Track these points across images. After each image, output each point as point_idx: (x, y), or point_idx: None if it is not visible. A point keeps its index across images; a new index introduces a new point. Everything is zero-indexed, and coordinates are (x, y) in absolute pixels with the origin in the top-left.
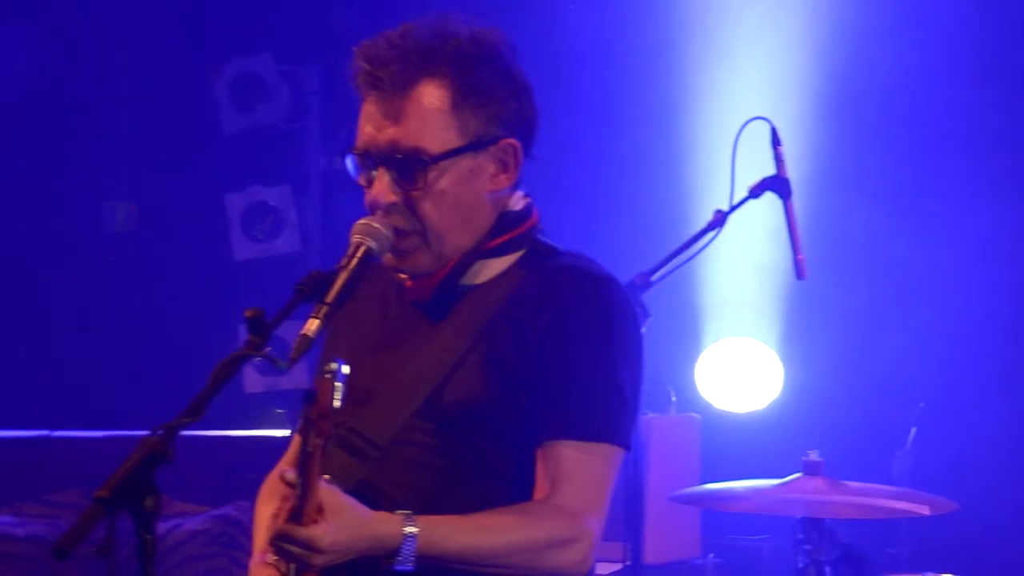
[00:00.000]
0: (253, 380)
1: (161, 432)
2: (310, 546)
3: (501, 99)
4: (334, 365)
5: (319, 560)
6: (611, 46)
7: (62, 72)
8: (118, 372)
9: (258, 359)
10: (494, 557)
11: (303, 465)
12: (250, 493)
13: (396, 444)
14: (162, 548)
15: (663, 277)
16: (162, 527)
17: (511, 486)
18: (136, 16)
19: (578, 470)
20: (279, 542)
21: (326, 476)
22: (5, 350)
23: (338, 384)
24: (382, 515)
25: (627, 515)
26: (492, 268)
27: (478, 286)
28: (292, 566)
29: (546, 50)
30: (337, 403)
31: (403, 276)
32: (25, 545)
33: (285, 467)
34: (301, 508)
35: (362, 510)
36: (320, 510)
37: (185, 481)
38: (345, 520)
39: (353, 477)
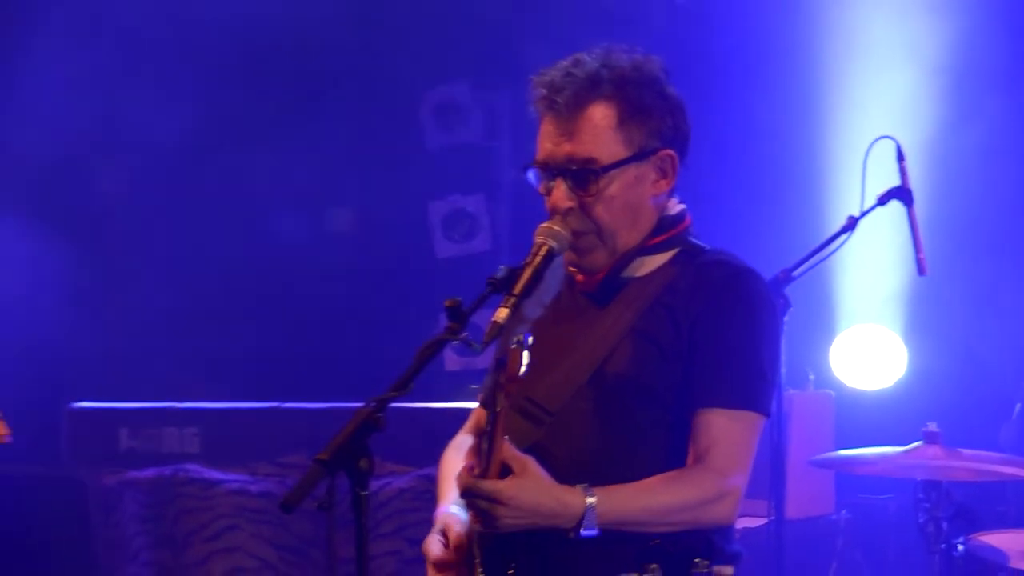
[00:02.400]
0: (452, 360)
1: (374, 404)
2: (494, 499)
3: (660, 116)
4: (521, 336)
5: (502, 512)
6: (755, 69)
7: (291, 94)
8: (337, 352)
9: (456, 342)
10: (660, 516)
11: (490, 425)
12: None
13: (565, 412)
14: (374, 503)
15: (803, 273)
16: (374, 485)
17: (664, 449)
18: (358, 47)
19: (726, 435)
20: (467, 496)
21: (506, 438)
22: (246, 336)
23: (525, 353)
24: (565, 486)
25: (771, 477)
26: (651, 263)
27: (638, 278)
28: (477, 519)
29: (697, 72)
30: (523, 369)
31: (576, 270)
32: (258, 500)
33: (469, 429)
34: (487, 465)
35: (546, 478)
36: (505, 468)
37: (394, 445)
38: (529, 482)
39: (527, 440)
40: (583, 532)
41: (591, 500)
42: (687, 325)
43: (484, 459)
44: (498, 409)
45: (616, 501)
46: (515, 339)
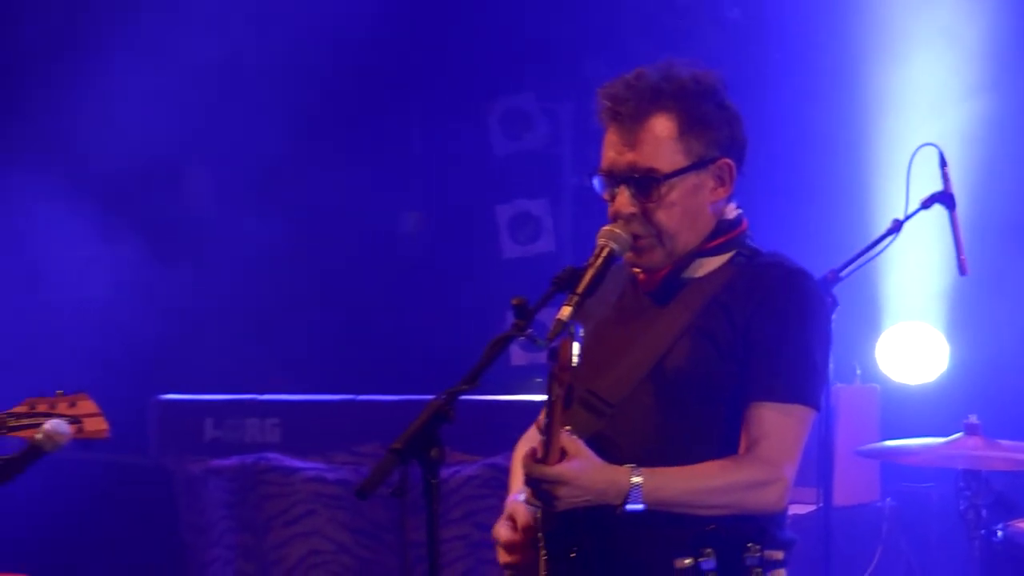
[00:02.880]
0: (518, 355)
1: (444, 396)
2: (555, 481)
3: (718, 127)
4: (572, 328)
5: (562, 492)
6: (803, 81)
7: (368, 105)
8: (409, 348)
9: (522, 338)
10: (705, 496)
11: (548, 413)
12: (515, 445)
13: (626, 403)
14: (444, 490)
15: (850, 273)
16: (444, 473)
17: (719, 440)
18: (430, 60)
19: (777, 427)
20: (529, 480)
21: (568, 428)
22: (325, 332)
23: (575, 343)
24: (614, 466)
25: (820, 466)
26: (709, 265)
27: (697, 279)
28: (539, 500)
29: (749, 83)
30: (575, 359)
31: (638, 271)
32: (335, 487)
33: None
34: (547, 451)
35: (598, 459)
36: (563, 453)
37: (463, 436)
38: (584, 464)
39: (590, 430)
40: (629, 507)
41: (636, 479)
42: (743, 323)
43: (544, 445)
44: (553, 398)
45: (661, 480)
46: (568, 331)
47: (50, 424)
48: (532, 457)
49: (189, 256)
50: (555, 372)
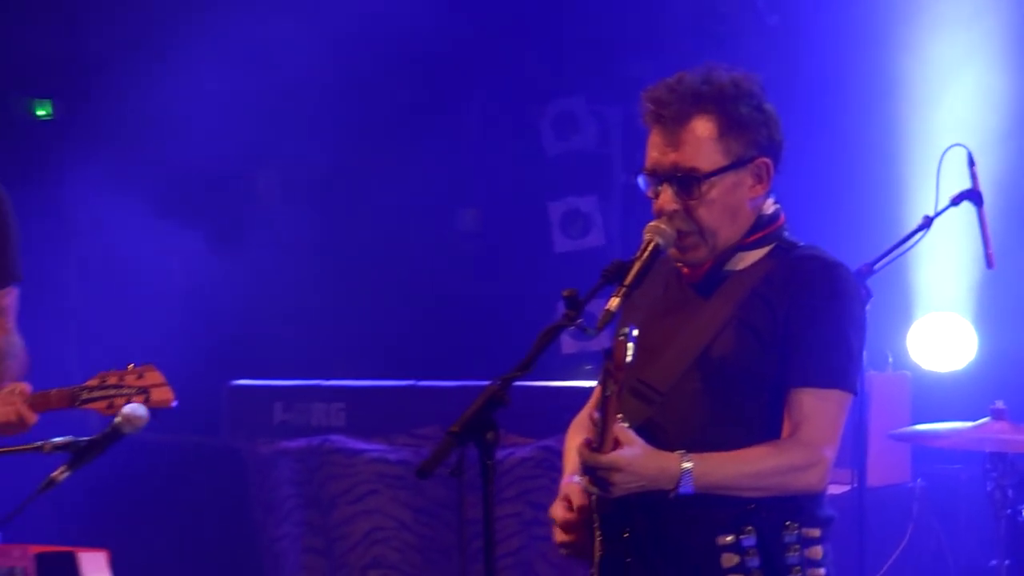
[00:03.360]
0: (568, 344)
1: (499, 382)
2: (609, 468)
3: (756, 128)
4: (627, 329)
5: (616, 479)
6: (837, 82)
7: (426, 107)
8: (466, 336)
9: (572, 328)
10: (752, 479)
11: (603, 406)
12: (566, 428)
13: (674, 391)
14: (499, 470)
15: (883, 266)
16: (499, 454)
17: (762, 425)
18: (485, 65)
19: (816, 411)
20: (585, 467)
21: (620, 416)
22: (387, 321)
23: (630, 344)
24: (664, 452)
25: (854, 448)
26: (749, 258)
27: (738, 271)
28: (594, 487)
29: (786, 84)
30: (629, 358)
31: (682, 264)
32: (396, 467)
33: (589, 409)
34: (601, 440)
35: (649, 447)
36: (616, 442)
37: (517, 419)
38: (636, 452)
39: (640, 417)
40: (681, 490)
41: (687, 465)
42: (782, 313)
43: (599, 435)
44: (608, 393)
45: (710, 465)
46: (621, 332)
47: (129, 407)
48: (587, 446)
49: (260, 251)
50: (610, 369)
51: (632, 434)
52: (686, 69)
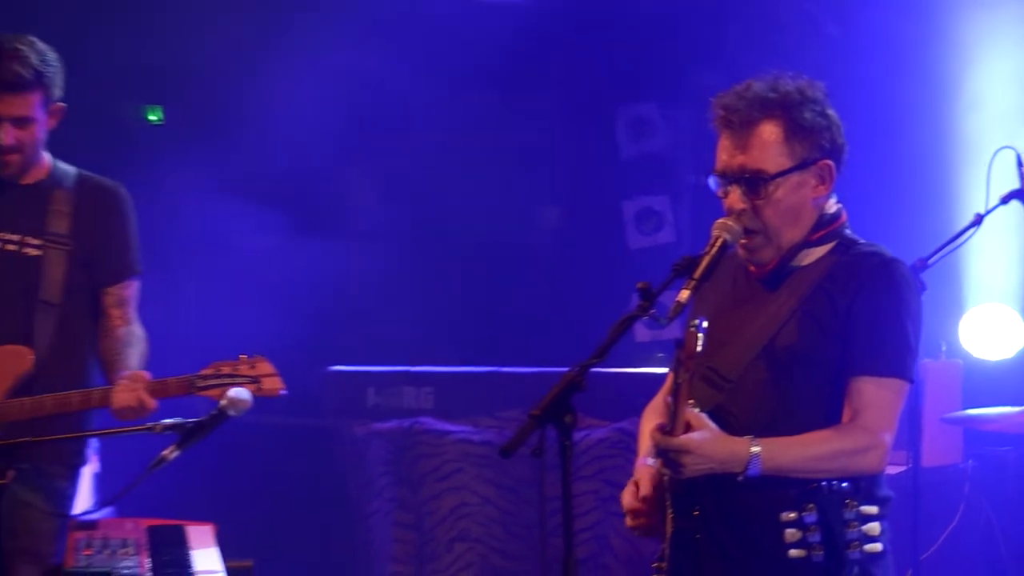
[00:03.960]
0: (642, 333)
1: (577, 369)
2: (680, 451)
3: (819, 132)
4: (697, 321)
5: (687, 461)
6: (893, 88)
7: (510, 112)
8: (546, 326)
9: (646, 318)
10: (815, 462)
11: (674, 393)
12: (639, 412)
13: (742, 379)
14: (577, 451)
15: (937, 261)
16: (577, 436)
17: (823, 411)
18: (565, 71)
19: (876, 398)
20: (658, 450)
21: (691, 401)
22: (473, 312)
23: (699, 335)
24: (734, 437)
25: (909, 431)
26: (813, 254)
27: (803, 267)
28: (667, 468)
29: (845, 89)
30: (699, 348)
31: (749, 263)
32: (480, 447)
33: (663, 394)
34: (673, 425)
35: (720, 432)
36: (688, 427)
37: (593, 403)
38: (706, 437)
39: (710, 403)
40: (749, 473)
41: (755, 449)
42: (844, 306)
43: (672, 420)
44: (679, 381)
45: (776, 450)
46: (692, 324)
47: (234, 391)
48: (660, 430)
49: (357, 248)
50: (681, 358)
51: (704, 419)
52: (752, 77)
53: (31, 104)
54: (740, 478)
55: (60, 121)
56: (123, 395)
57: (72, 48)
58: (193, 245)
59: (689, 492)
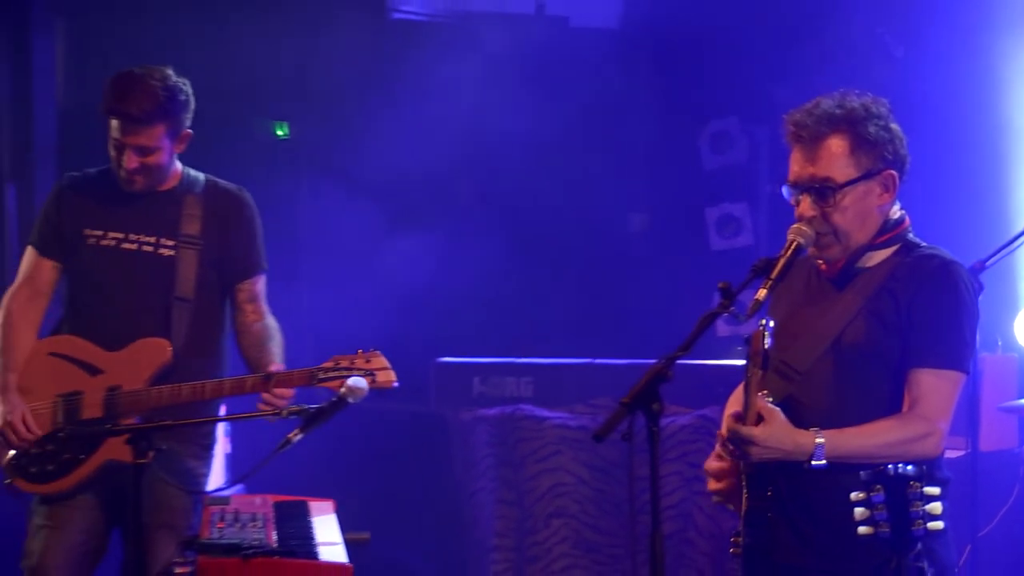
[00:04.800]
0: (723, 328)
1: (664, 361)
2: (749, 440)
3: (883, 145)
4: (765, 321)
5: (754, 451)
6: (956, 106)
7: (607, 128)
8: (636, 322)
9: (726, 314)
10: (876, 450)
11: (746, 385)
12: (720, 401)
13: (811, 371)
14: (663, 435)
15: (994, 263)
16: (663, 422)
17: (886, 401)
18: (653, 89)
19: (933, 388)
20: (730, 436)
21: (765, 392)
22: (570, 308)
23: (767, 334)
24: (801, 430)
25: (968, 419)
26: (878, 256)
27: (868, 268)
28: (737, 454)
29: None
30: (766, 345)
31: (821, 261)
32: (576, 432)
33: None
34: (745, 414)
35: (788, 425)
36: (759, 417)
37: (678, 392)
38: (776, 428)
39: (782, 393)
40: (814, 464)
41: (819, 440)
42: (906, 304)
43: (744, 409)
44: (749, 375)
45: (840, 441)
46: (761, 323)
47: (352, 380)
48: (735, 418)
49: (465, 251)
50: (750, 355)
51: (776, 411)
52: (822, 95)
53: (155, 136)
54: (806, 466)
55: (191, 140)
56: (273, 398)
57: (213, 72)
58: (319, 250)
59: (762, 473)
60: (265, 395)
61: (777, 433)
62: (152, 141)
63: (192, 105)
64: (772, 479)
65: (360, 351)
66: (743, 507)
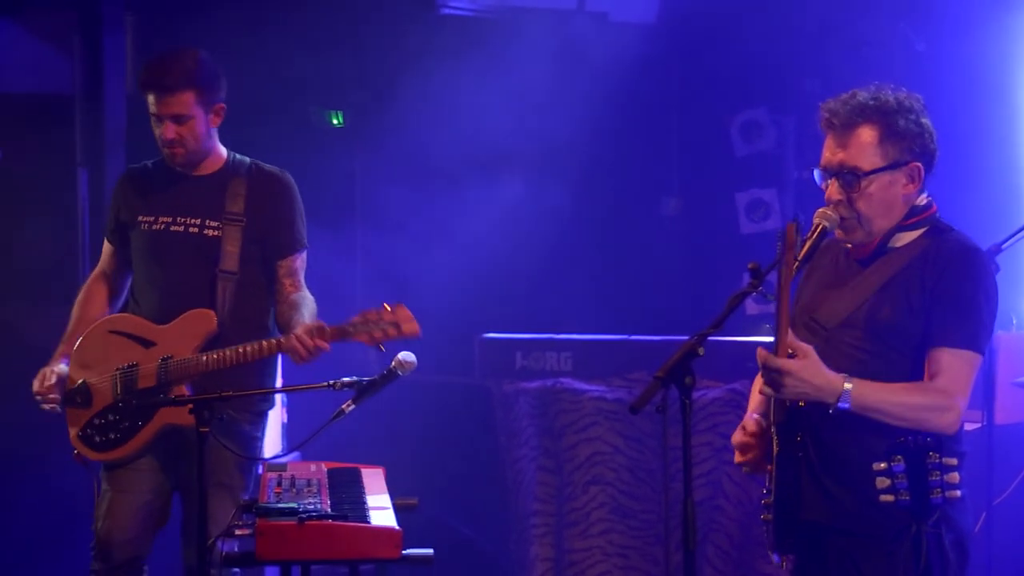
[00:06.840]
0: (751, 307)
1: (696, 337)
2: (781, 371)
3: (912, 138)
4: (796, 217)
5: (787, 382)
6: (972, 94)
7: (643, 117)
8: (670, 300)
9: (755, 294)
10: (896, 408)
11: (777, 314)
12: (749, 376)
13: (836, 334)
14: (695, 408)
15: (1010, 246)
16: (695, 395)
17: (906, 374)
18: (686, 82)
19: (951, 366)
20: (763, 368)
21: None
22: (606, 286)
23: (797, 224)
24: (830, 371)
25: (984, 393)
26: (907, 238)
27: (896, 248)
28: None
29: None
30: (799, 238)
31: (845, 242)
32: (612, 404)
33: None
34: (777, 346)
35: (819, 363)
36: (791, 352)
37: (709, 367)
38: (808, 363)
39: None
40: (840, 405)
41: (848, 385)
42: (929, 284)
43: (775, 342)
44: (782, 281)
45: (866, 389)
46: (790, 221)
47: (402, 354)
48: (767, 351)
49: (510, 228)
50: (782, 252)
51: (809, 348)
52: (852, 87)
53: (186, 103)
54: (831, 410)
55: (226, 119)
56: (295, 341)
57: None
58: (375, 231)
59: (792, 422)
60: (288, 344)
61: (811, 368)
62: (185, 109)
63: (223, 81)
64: (800, 426)
65: (385, 304)
66: (774, 450)
